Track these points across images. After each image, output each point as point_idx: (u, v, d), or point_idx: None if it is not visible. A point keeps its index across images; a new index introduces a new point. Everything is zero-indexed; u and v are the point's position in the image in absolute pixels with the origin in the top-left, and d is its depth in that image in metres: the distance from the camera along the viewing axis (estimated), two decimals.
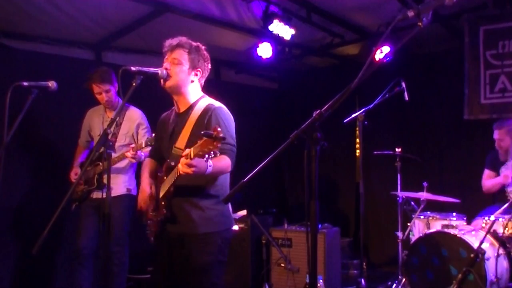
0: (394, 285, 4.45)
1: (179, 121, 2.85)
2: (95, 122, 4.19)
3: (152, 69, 2.63)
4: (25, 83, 3.24)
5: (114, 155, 3.86)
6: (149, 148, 3.51)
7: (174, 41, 2.80)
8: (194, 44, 2.83)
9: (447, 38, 5.63)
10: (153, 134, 3.34)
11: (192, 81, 2.82)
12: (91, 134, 4.24)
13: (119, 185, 4.05)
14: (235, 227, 2.85)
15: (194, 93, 2.86)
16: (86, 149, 4.32)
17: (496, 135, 4.59)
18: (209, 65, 2.91)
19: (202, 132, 2.27)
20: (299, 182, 7.01)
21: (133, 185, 4.15)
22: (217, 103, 2.84)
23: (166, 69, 2.73)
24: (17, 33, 4.62)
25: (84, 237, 3.99)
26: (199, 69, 2.83)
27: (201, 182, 2.71)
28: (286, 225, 4.98)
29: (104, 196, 3.76)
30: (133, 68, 2.52)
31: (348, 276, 5.46)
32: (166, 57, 2.79)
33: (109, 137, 3.85)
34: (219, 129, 2.25)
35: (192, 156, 2.35)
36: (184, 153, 2.42)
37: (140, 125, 4.11)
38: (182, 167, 2.43)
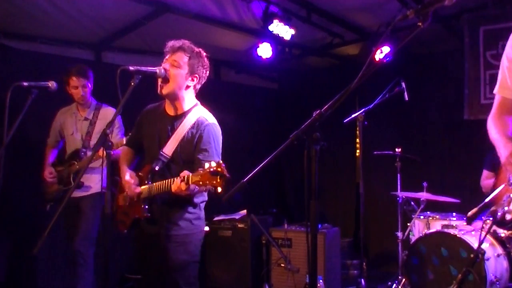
0: (394, 285, 4.45)
1: (169, 125, 2.83)
2: (68, 121, 4.18)
3: (150, 68, 2.64)
4: (25, 83, 3.24)
5: (90, 154, 3.91)
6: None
7: (177, 43, 2.79)
8: (196, 49, 2.83)
9: (447, 38, 5.63)
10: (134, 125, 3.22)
11: (188, 87, 2.82)
12: (63, 133, 4.22)
13: (96, 183, 4.05)
14: (206, 228, 3.04)
15: (189, 100, 2.86)
16: (55, 148, 4.31)
17: None
18: (207, 72, 2.91)
19: (209, 170, 2.33)
20: (299, 182, 7.00)
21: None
22: (210, 118, 2.86)
23: (165, 69, 2.72)
24: (17, 33, 4.62)
25: (77, 237, 3.93)
26: (196, 75, 2.82)
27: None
28: (286, 225, 4.98)
29: (82, 194, 3.98)
30: (131, 68, 2.52)
31: (348, 276, 5.46)
32: (167, 57, 2.79)
33: (84, 136, 4.03)
34: (223, 165, 2.32)
35: (190, 183, 2.44)
36: (182, 175, 2.49)
37: (115, 124, 4.02)
38: (177, 189, 2.52)
